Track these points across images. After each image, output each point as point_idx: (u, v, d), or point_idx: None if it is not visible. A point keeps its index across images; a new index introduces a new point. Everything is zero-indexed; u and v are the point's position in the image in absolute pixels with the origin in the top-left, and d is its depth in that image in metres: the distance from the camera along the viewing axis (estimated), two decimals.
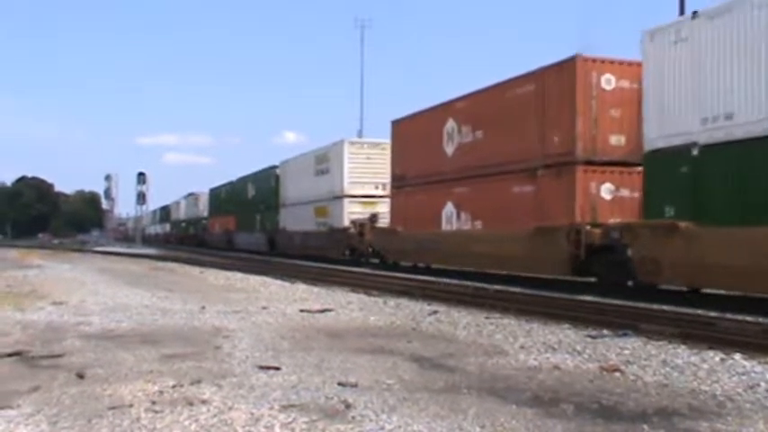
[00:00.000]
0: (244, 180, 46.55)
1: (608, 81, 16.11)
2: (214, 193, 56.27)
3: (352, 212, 28.99)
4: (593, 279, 15.77)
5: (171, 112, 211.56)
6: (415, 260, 24.01)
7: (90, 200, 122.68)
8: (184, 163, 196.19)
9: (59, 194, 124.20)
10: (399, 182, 24.70)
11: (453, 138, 21.10)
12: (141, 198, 65.22)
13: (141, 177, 64.28)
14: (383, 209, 27.68)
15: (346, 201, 29.28)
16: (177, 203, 72.23)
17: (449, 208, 21.15)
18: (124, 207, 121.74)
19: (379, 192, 28.73)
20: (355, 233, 28.26)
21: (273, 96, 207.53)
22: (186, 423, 4.91)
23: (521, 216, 17.54)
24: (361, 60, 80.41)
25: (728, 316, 10.59)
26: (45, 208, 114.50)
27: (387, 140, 27.03)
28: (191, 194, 66.34)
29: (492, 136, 19.30)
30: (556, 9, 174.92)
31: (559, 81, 16.63)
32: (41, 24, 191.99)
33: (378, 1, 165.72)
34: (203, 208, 59.34)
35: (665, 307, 11.84)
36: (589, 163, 15.98)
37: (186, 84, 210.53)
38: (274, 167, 39.66)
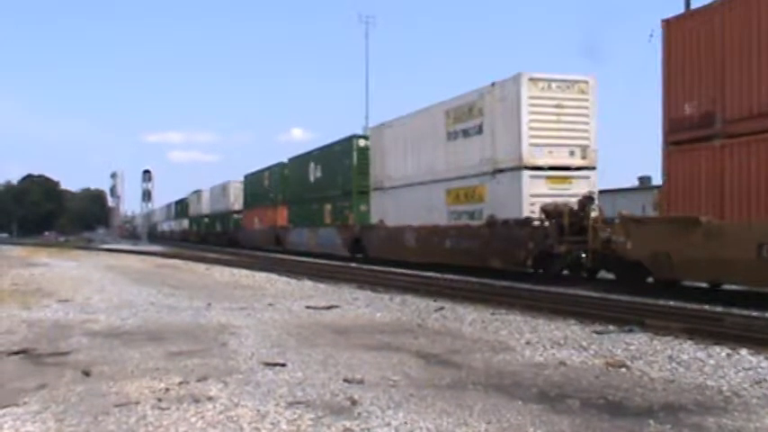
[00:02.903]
0: (302, 159, 35.13)
1: None
2: (251, 180, 45.30)
3: (535, 195, 17.74)
4: None
5: (177, 110, 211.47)
6: None
7: (96, 197, 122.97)
8: (190, 160, 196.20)
9: (65, 192, 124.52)
10: (695, 129, 12.95)
11: None
12: (147, 195, 65.57)
13: (146, 175, 64.74)
14: (582, 188, 17.73)
15: (526, 176, 17.85)
16: (198, 195, 62.48)
17: None
18: (130, 205, 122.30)
19: (576, 160, 18.23)
20: (551, 228, 16.65)
21: (280, 94, 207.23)
22: (192, 420, 4.92)
23: None
24: (366, 56, 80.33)
25: (735, 311, 10.57)
26: (51, 206, 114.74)
27: (586, 77, 18.45)
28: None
29: None
30: (561, 5, 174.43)
31: None
32: (47, 22, 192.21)
33: None
34: (234, 199, 49.28)
35: (671, 302, 11.82)
36: None
37: (192, 81, 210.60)
38: (357, 137, 29.11)
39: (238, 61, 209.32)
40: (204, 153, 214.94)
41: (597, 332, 8.86)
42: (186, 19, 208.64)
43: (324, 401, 5.44)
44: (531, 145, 17.92)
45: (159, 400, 5.46)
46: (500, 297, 12.62)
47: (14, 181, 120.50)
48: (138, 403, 5.35)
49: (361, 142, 28.21)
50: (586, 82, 18.50)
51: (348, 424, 4.82)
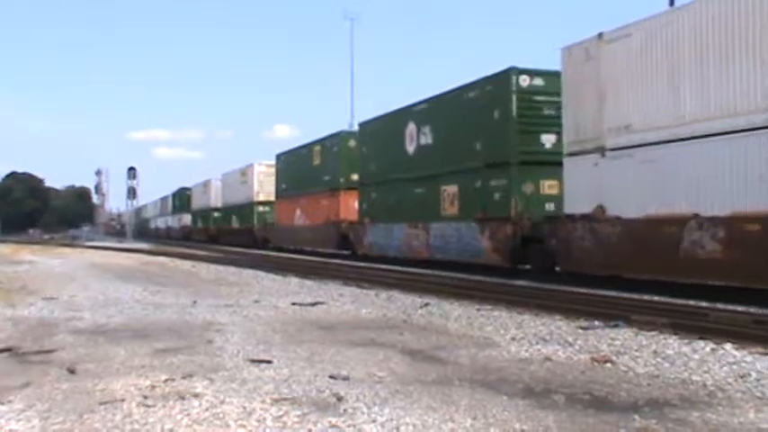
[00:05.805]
0: (389, 120, 23.80)
1: None
2: (289, 160, 34.41)
3: None
4: None
5: (162, 107, 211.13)
6: None
7: (81, 195, 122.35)
8: (176, 157, 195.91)
9: (50, 190, 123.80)
10: None
11: None
12: (132, 193, 65.15)
13: (132, 172, 64.17)
14: None
15: None
16: (205, 184, 52.62)
17: None
18: (116, 202, 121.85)
19: None
20: None
21: (264, 91, 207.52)
22: (178, 417, 4.90)
23: None
24: (351, 53, 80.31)
25: (719, 306, 10.64)
26: (35, 203, 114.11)
27: None
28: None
29: None
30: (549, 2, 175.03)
31: None
32: (31, 19, 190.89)
33: None
34: (259, 187, 39.64)
35: (656, 297, 11.89)
36: None
37: (177, 78, 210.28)
38: (516, 70, 17.54)
39: (223, 58, 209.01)
40: (189, 150, 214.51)
41: (583, 328, 8.90)
42: (170, 17, 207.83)
43: (310, 398, 5.43)
44: None
45: (145, 397, 5.43)
46: (486, 293, 12.65)
47: None
48: (123, 401, 5.32)
49: (524, 80, 17.54)
50: None
51: (334, 420, 4.82)
